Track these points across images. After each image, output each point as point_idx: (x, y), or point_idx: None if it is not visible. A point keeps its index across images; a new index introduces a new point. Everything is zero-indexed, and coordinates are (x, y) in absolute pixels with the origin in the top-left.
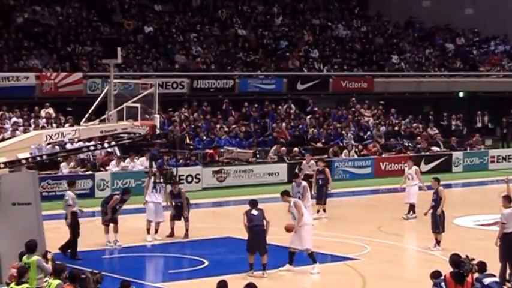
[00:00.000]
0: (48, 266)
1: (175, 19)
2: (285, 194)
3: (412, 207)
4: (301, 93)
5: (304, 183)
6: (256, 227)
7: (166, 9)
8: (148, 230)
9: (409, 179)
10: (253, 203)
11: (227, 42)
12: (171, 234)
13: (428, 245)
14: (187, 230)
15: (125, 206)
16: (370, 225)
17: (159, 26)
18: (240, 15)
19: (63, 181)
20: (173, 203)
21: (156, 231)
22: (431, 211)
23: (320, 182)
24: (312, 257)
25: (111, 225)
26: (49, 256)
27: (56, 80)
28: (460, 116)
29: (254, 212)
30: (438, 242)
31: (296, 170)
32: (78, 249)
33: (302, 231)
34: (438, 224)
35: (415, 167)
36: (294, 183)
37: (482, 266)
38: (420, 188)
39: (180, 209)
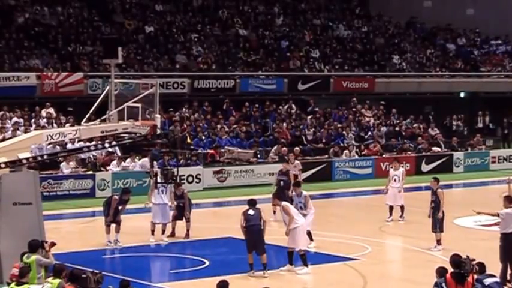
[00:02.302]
0: (48, 259)
1: (176, 19)
2: (276, 196)
3: (401, 209)
4: (302, 93)
5: (304, 193)
6: (254, 227)
7: (167, 9)
8: (152, 232)
9: (395, 180)
10: (252, 203)
11: (228, 42)
12: (172, 234)
13: (430, 246)
14: (188, 230)
15: (126, 206)
16: (371, 226)
17: (160, 26)
18: (241, 15)
19: (64, 181)
20: (175, 204)
21: (163, 232)
22: (431, 211)
23: (282, 183)
24: (304, 259)
25: (113, 225)
26: (46, 247)
27: (56, 79)
28: (461, 116)
29: (251, 211)
30: (438, 241)
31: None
32: (80, 248)
33: (295, 232)
34: (437, 224)
35: (402, 169)
36: (294, 194)
37: (481, 267)
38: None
39: (181, 210)
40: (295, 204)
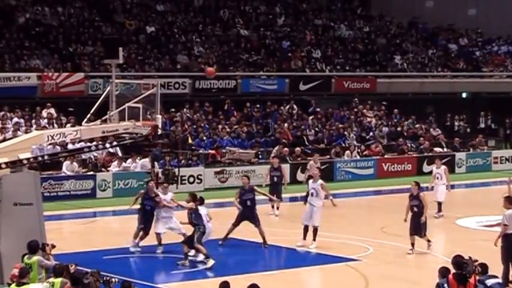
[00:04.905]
0: (49, 262)
1: (177, 19)
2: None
3: (439, 206)
4: (303, 93)
5: (321, 181)
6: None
7: (168, 9)
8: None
9: (437, 178)
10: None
11: (229, 43)
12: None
13: (430, 246)
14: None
15: (127, 207)
16: (372, 226)
17: (161, 26)
18: (242, 15)
19: (65, 181)
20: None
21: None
22: (410, 215)
23: (275, 179)
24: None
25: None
26: (48, 250)
27: (57, 80)
28: (463, 116)
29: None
30: (428, 242)
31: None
32: (80, 249)
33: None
34: (421, 229)
35: (443, 166)
36: (310, 180)
37: (483, 268)
38: (446, 188)
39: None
40: (310, 189)
